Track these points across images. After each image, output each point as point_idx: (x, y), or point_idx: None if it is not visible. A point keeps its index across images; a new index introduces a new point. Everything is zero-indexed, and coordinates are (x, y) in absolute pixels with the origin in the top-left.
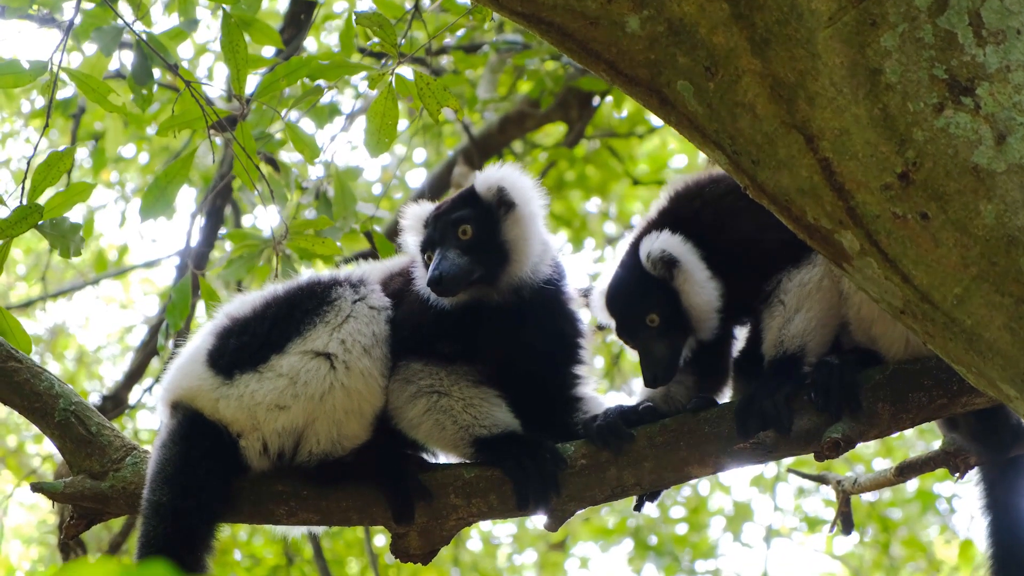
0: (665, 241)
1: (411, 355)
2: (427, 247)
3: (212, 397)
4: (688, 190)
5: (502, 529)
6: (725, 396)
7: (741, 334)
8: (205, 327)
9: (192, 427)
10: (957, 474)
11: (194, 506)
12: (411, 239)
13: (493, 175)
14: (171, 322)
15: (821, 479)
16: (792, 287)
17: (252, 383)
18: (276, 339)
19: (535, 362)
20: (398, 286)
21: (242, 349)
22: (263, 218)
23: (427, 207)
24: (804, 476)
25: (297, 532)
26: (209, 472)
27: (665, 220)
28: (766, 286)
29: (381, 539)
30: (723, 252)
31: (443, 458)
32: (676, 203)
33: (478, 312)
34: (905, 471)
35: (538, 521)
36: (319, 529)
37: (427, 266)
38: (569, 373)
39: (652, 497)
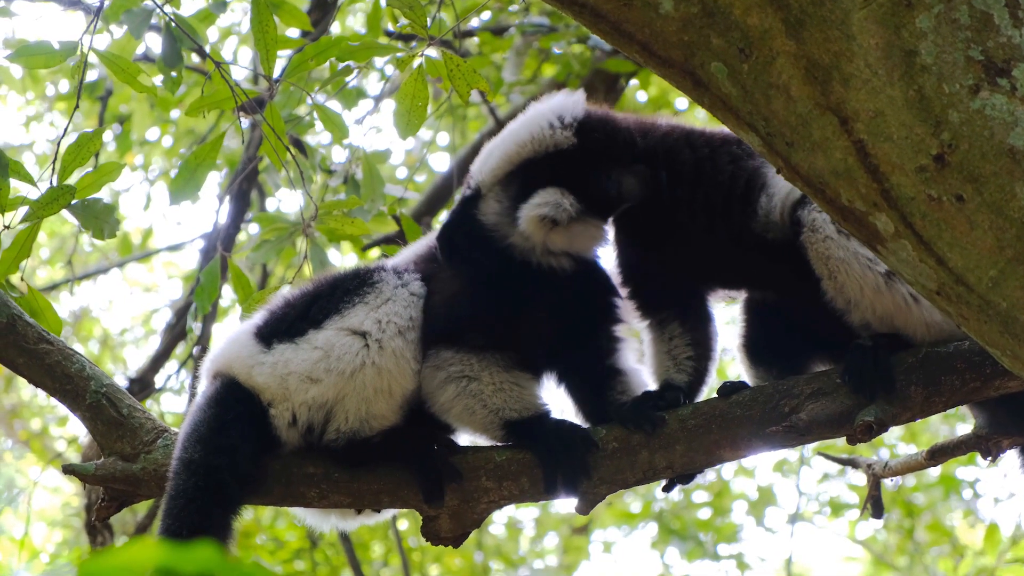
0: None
1: (442, 343)
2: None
3: (248, 364)
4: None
5: (525, 513)
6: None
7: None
8: (264, 305)
9: (228, 392)
10: (989, 458)
11: (226, 463)
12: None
13: None
14: (200, 305)
15: (851, 463)
16: None
17: (288, 352)
18: (316, 315)
19: (571, 326)
20: (427, 271)
21: (282, 320)
22: (288, 201)
23: None
24: (834, 460)
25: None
26: (242, 435)
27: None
28: None
29: (404, 523)
30: None
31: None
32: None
33: (521, 279)
34: (936, 455)
35: (568, 504)
36: (350, 526)
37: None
38: (606, 336)
39: (684, 480)
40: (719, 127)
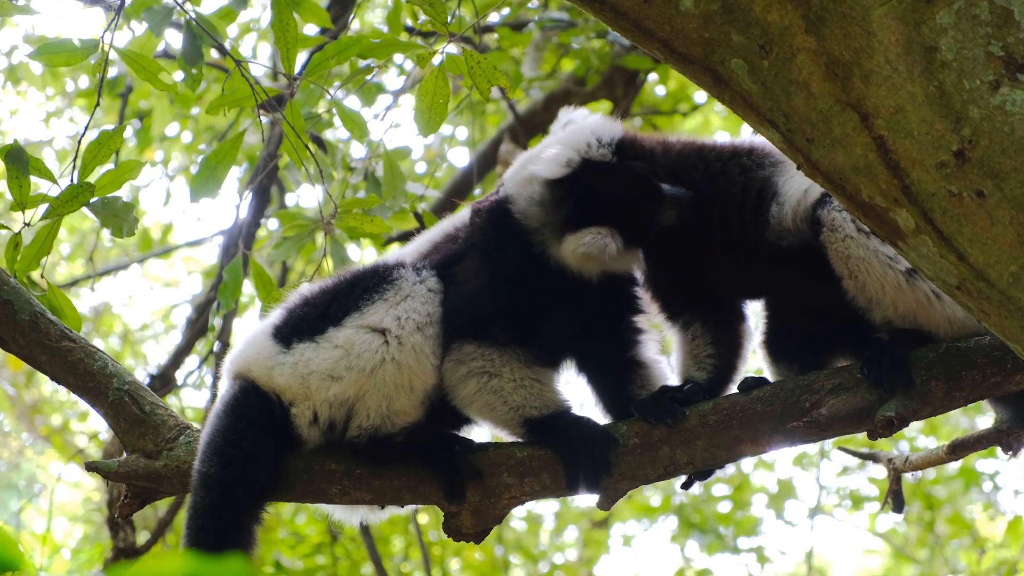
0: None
1: (465, 337)
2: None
3: (268, 365)
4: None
5: (545, 507)
6: (748, 351)
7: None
8: (281, 303)
9: (245, 398)
10: (1010, 452)
11: (240, 478)
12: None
13: None
14: (223, 302)
15: (872, 457)
16: None
17: (308, 351)
18: (335, 313)
19: (593, 318)
20: (447, 253)
21: (302, 320)
22: (308, 197)
23: None
24: (854, 454)
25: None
26: (257, 445)
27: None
28: None
29: (425, 517)
30: None
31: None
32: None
33: (550, 280)
34: (957, 449)
35: (590, 500)
36: (377, 518)
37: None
38: (627, 327)
39: (702, 476)
40: (727, 140)
